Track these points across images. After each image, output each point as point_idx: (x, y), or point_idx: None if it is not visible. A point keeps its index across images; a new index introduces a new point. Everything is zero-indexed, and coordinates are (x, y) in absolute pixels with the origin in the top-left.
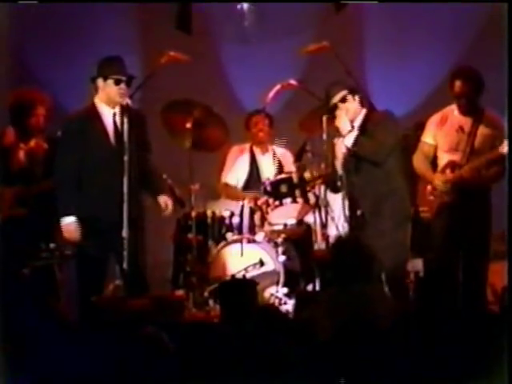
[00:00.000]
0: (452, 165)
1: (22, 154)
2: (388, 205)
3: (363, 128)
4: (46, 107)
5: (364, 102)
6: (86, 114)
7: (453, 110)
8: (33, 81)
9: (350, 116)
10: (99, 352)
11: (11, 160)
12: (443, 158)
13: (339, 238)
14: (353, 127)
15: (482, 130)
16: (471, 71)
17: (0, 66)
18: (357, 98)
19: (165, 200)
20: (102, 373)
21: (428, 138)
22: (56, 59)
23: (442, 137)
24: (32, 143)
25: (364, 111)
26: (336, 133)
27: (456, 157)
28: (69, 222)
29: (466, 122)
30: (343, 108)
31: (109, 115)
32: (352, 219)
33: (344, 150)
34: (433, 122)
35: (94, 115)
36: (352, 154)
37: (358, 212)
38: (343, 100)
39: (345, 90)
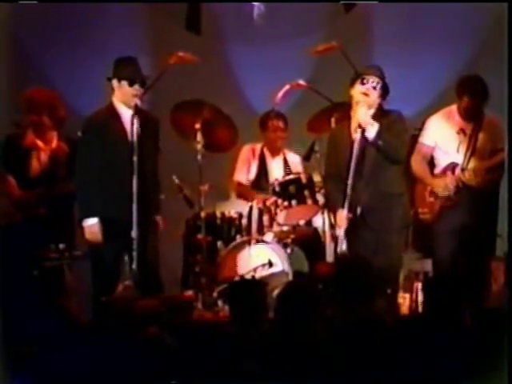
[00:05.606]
0: (453, 167)
1: (44, 156)
2: (392, 209)
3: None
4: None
5: (383, 94)
6: (106, 114)
7: (453, 112)
8: (41, 82)
9: (369, 106)
10: (103, 352)
11: (32, 161)
12: (443, 160)
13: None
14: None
15: (483, 133)
16: (478, 84)
17: (4, 66)
18: (379, 88)
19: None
20: (104, 373)
21: (427, 139)
22: (65, 60)
23: (441, 138)
24: (54, 145)
25: (377, 104)
26: (353, 123)
27: (457, 158)
28: (92, 224)
29: (467, 125)
30: (367, 97)
31: (127, 115)
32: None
33: (359, 142)
34: (432, 124)
35: (114, 115)
36: (376, 148)
37: (358, 210)
38: (374, 87)
39: (377, 77)
